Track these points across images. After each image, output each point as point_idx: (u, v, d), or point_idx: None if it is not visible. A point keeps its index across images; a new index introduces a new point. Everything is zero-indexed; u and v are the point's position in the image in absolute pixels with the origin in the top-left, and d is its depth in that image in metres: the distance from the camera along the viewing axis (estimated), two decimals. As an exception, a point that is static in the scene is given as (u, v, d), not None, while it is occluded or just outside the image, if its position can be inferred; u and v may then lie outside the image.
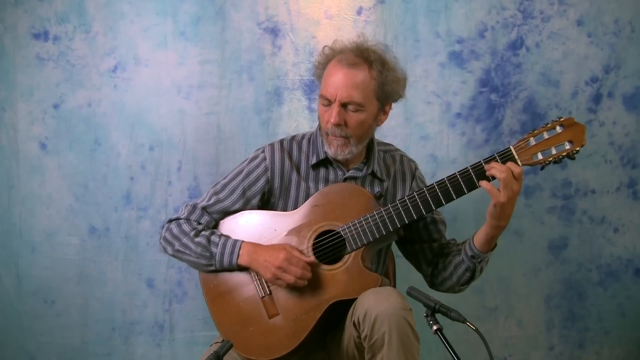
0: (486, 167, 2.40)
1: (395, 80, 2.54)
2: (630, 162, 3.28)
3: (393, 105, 2.64)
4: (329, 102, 2.51)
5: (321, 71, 2.58)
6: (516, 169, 2.37)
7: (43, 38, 3.24)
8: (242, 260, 2.52)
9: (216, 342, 2.55)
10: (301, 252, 2.51)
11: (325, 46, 2.60)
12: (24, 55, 3.25)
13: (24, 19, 3.24)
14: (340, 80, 2.49)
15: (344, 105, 2.50)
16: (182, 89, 3.26)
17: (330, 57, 2.56)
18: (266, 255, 2.49)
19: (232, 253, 2.52)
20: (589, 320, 3.34)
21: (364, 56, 2.51)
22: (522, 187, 2.39)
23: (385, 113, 2.59)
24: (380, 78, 2.51)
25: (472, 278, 2.56)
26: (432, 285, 2.66)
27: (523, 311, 3.34)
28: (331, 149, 2.55)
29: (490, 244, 2.48)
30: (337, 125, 2.50)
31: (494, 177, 2.38)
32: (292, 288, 2.49)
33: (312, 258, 2.49)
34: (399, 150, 2.73)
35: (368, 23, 3.25)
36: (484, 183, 2.39)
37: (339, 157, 2.57)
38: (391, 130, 3.23)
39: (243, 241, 2.54)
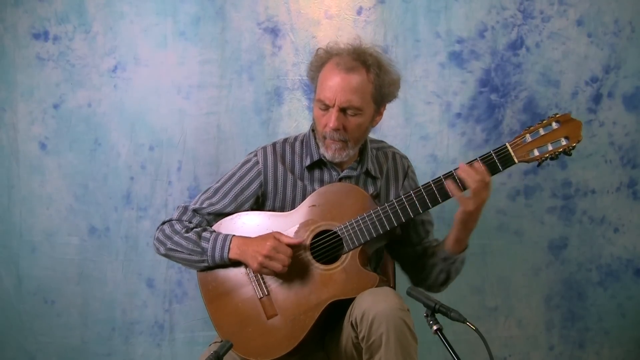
0: (457, 172, 2.40)
1: (391, 82, 2.53)
2: (630, 162, 3.28)
3: (393, 105, 2.63)
4: (326, 107, 2.49)
5: (315, 73, 2.55)
6: (487, 178, 2.38)
7: (43, 38, 3.25)
8: (233, 254, 2.50)
9: (215, 342, 2.55)
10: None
11: (320, 48, 2.57)
12: (24, 55, 3.25)
13: (24, 19, 3.24)
14: (338, 85, 2.46)
15: (342, 110, 2.48)
16: (182, 89, 3.26)
17: (325, 59, 2.53)
18: (254, 246, 2.47)
19: (222, 247, 2.51)
20: (589, 320, 3.33)
21: (361, 59, 2.49)
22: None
23: (380, 114, 2.58)
24: (377, 81, 2.49)
25: (448, 278, 2.59)
26: (416, 285, 2.65)
27: (523, 311, 3.33)
28: (328, 153, 2.53)
29: (461, 245, 2.51)
30: (336, 129, 2.49)
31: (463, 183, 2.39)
32: (290, 288, 2.49)
33: (302, 240, 2.48)
34: (392, 147, 2.72)
35: (368, 23, 3.25)
36: (455, 192, 2.39)
37: (336, 160, 2.55)
38: (391, 130, 3.23)
39: (234, 235, 2.53)
